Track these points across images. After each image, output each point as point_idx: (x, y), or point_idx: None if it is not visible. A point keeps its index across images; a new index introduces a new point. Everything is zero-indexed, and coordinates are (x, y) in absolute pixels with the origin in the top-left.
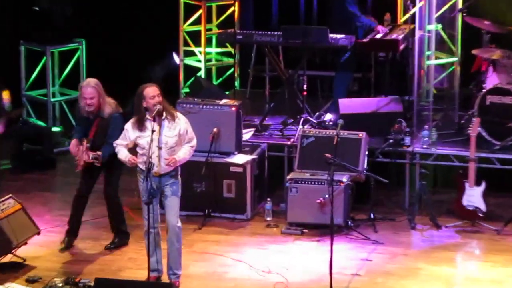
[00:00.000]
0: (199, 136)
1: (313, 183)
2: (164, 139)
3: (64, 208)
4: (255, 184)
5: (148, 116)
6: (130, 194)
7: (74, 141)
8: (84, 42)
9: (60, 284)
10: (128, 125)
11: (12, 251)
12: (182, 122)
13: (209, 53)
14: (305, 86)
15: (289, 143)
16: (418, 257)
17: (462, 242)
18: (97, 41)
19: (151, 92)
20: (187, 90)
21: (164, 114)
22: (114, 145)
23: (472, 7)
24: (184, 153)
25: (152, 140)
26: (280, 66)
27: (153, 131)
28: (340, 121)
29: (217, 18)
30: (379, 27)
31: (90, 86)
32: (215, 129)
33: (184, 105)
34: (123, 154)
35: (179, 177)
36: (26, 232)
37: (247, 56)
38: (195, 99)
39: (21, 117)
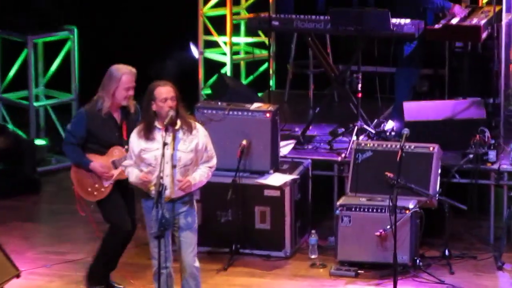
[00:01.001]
0: (224, 150)
1: (370, 210)
2: (177, 155)
3: (50, 244)
4: (296, 212)
5: (157, 124)
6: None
7: (103, 161)
8: (76, 31)
9: None
10: (133, 136)
11: None
12: (201, 135)
13: (237, 44)
14: (359, 86)
15: (339, 159)
16: None
17: None
18: (92, 29)
19: (164, 93)
20: (208, 91)
21: (179, 123)
22: (122, 167)
23: None
24: (200, 176)
25: (163, 155)
26: (328, 61)
27: (164, 144)
28: (405, 131)
29: None
30: (456, 9)
31: (133, 73)
32: (244, 142)
33: (205, 111)
34: (133, 174)
35: (194, 204)
36: (1, 274)
37: (285, 48)
38: (219, 103)
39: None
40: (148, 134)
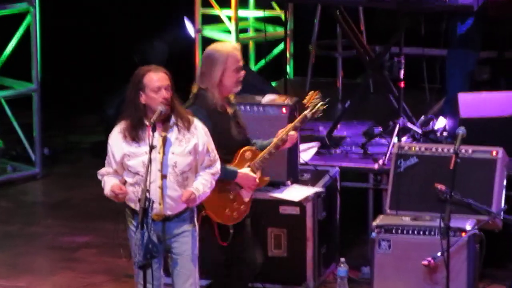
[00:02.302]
0: None
1: (415, 233)
2: (171, 159)
3: (6, 275)
4: (320, 234)
5: (146, 121)
6: (114, 253)
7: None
8: (37, 2)
9: None
10: (114, 136)
11: None
12: (200, 134)
13: (244, 19)
14: (402, 72)
15: (376, 167)
16: None
17: None
18: (59, 2)
19: (157, 80)
20: None
21: (173, 118)
22: (99, 176)
23: None
24: (204, 185)
25: (150, 161)
26: (362, 41)
27: (151, 147)
28: (461, 131)
29: None
30: None
31: (238, 49)
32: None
33: None
34: (108, 185)
35: (195, 222)
36: None
37: (306, 25)
38: None
39: None
40: (134, 134)
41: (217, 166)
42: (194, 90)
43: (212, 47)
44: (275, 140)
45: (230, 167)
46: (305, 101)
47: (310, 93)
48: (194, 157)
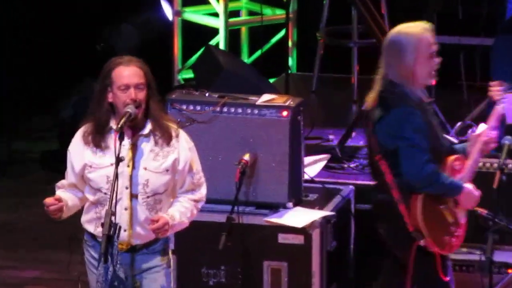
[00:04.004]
0: (215, 170)
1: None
2: (141, 176)
3: None
4: (329, 269)
5: (113, 124)
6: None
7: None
8: None
9: None
10: (75, 141)
11: None
12: (182, 147)
13: (235, 0)
14: None
15: None
16: None
17: None
18: None
19: (126, 76)
20: (189, 74)
21: (150, 125)
22: (56, 189)
23: None
24: (182, 213)
25: (117, 176)
26: (383, 27)
27: (118, 159)
28: (507, 141)
29: None
30: None
31: (430, 30)
32: (246, 157)
33: (183, 106)
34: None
35: (170, 255)
36: None
37: (313, 7)
38: (206, 94)
39: None
40: (97, 140)
41: (202, 191)
42: (378, 88)
43: (397, 31)
44: (474, 144)
45: (454, 179)
46: (490, 93)
47: (494, 83)
48: (171, 177)
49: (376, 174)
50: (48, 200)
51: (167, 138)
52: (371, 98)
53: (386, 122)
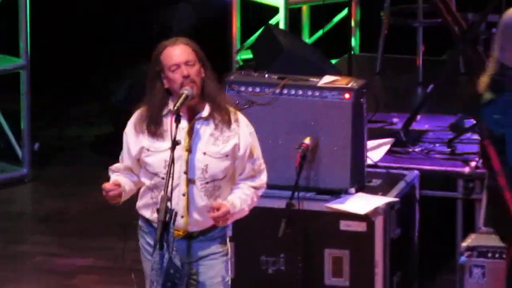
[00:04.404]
0: (275, 155)
1: None
2: (201, 161)
3: None
4: (392, 258)
5: (171, 107)
6: (122, 279)
7: None
8: None
9: None
10: (130, 126)
11: None
12: (243, 133)
13: None
14: None
15: (467, 170)
16: None
17: None
18: None
19: (174, 56)
20: (248, 55)
21: (208, 108)
22: (110, 173)
23: None
24: (242, 201)
25: (173, 160)
26: (450, 6)
27: (175, 142)
28: None
29: None
30: None
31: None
32: (307, 141)
33: (241, 88)
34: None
35: (227, 244)
36: None
37: None
38: (265, 75)
39: None
40: (154, 126)
41: (262, 178)
42: (490, 71)
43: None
44: None
45: None
46: None
47: None
48: (231, 162)
49: (485, 159)
50: (108, 185)
51: (227, 121)
52: (483, 81)
53: (494, 106)
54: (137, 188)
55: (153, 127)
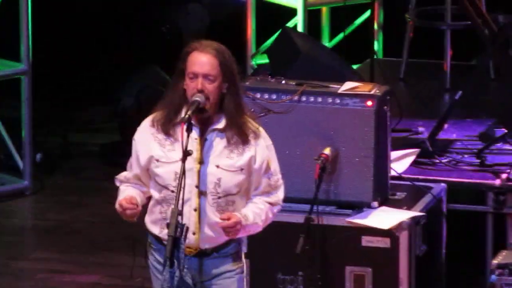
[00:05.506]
0: (293, 166)
1: None
2: (213, 174)
3: None
4: (418, 276)
5: (183, 114)
6: None
7: None
8: None
9: None
10: (142, 129)
11: None
12: (260, 146)
13: None
14: None
15: (498, 183)
16: None
17: None
18: None
19: (196, 64)
20: (264, 59)
21: (225, 121)
22: (117, 183)
23: None
24: (256, 215)
25: (184, 172)
26: (479, 7)
27: (186, 152)
28: None
29: None
30: None
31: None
32: (327, 151)
33: (257, 95)
34: (121, 197)
35: (242, 260)
36: None
37: None
38: (282, 81)
39: None
40: (168, 128)
41: (279, 195)
42: None
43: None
44: None
45: None
46: None
47: None
48: (246, 177)
49: None
50: (126, 203)
51: (243, 138)
52: None
53: None
54: (148, 199)
55: (168, 128)
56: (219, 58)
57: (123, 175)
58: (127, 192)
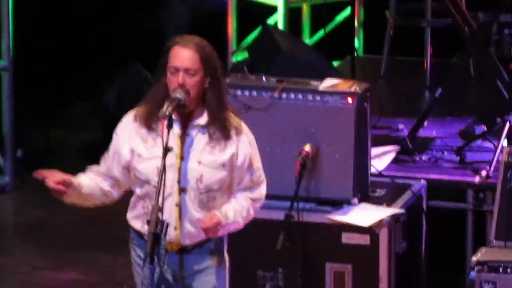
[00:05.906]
0: (274, 163)
1: None
2: (195, 170)
3: None
4: (398, 273)
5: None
6: None
7: None
8: None
9: None
10: (124, 124)
11: None
12: (242, 142)
13: None
14: None
15: (477, 180)
16: None
17: None
18: None
19: (179, 59)
20: (242, 56)
21: (207, 117)
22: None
23: None
24: (237, 212)
25: (164, 168)
26: (459, 5)
27: (166, 148)
28: None
29: None
30: None
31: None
32: (307, 148)
33: (237, 92)
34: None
35: (225, 256)
36: None
37: None
38: (263, 78)
39: None
40: (150, 122)
41: (261, 191)
42: None
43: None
44: None
45: None
46: None
47: None
48: (228, 173)
49: None
50: (51, 184)
51: (225, 134)
52: None
53: None
54: (102, 200)
55: (151, 121)
56: (200, 52)
57: (96, 167)
58: (79, 177)
